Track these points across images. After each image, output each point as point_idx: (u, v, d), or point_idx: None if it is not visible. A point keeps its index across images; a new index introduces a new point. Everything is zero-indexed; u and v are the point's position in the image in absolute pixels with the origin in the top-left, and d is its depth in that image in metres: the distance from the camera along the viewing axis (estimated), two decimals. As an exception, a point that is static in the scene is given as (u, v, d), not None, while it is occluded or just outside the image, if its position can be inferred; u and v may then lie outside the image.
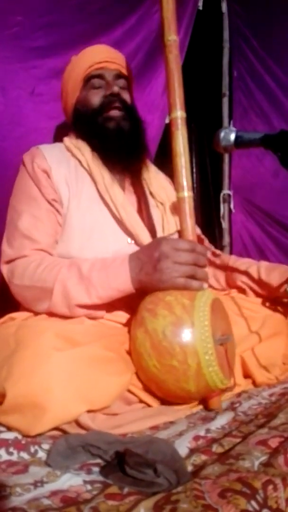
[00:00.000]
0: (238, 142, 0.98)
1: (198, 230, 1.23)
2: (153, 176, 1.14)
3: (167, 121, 1.67)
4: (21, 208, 1.01)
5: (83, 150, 1.07)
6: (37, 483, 0.57)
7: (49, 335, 0.76)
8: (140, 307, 0.84)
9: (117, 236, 1.01)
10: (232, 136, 0.97)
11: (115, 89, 1.06)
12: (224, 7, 1.92)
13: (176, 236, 1.06)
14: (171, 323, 0.78)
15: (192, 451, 0.67)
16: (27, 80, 1.20)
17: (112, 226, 1.02)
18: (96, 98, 1.07)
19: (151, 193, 1.11)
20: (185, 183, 0.88)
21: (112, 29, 1.40)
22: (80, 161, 1.06)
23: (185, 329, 0.78)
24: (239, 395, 0.91)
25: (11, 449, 0.66)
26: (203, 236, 1.24)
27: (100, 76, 1.08)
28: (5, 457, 0.64)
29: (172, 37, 0.93)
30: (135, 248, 0.99)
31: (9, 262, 0.98)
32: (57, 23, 1.14)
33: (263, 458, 0.61)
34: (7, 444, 0.67)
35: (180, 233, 0.90)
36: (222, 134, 0.98)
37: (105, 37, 1.21)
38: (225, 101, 1.94)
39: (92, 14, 1.32)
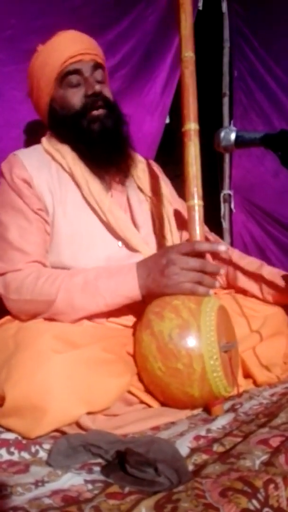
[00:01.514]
0: (239, 141, 0.98)
1: (206, 228, 1.22)
2: (141, 169, 1.10)
3: (167, 121, 1.68)
4: (7, 221, 0.97)
5: (64, 152, 1.02)
6: (38, 483, 0.57)
7: (48, 337, 0.75)
8: (147, 310, 0.85)
9: (107, 241, 0.99)
10: (233, 136, 0.98)
11: (97, 88, 1.01)
12: (224, 7, 1.92)
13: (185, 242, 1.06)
14: (177, 326, 0.79)
15: (193, 451, 0.67)
16: (22, 82, 1.21)
17: (101, 231, 0.99)
18: (76, 99, 1.01)
19: (139, 188, 1.09)
20: (195, 192, 0.90)
21: (106, 32, 1.40)
22: (61, 165, 1.02)
23: (192, 333, 0.78)
24: (240, 395, 0.91)
25: (12, 449, 0.66)
26: (211, 236, 1.20)
27: (77, 72, 1.01)
28: (6, 457, 0.65)
29: (189, 54, 0.97)
30: (126, 252, 0.99)
31: (0, 275, 0.95)
32: (51, 26, 1.15)
33: (264, 457, 0.61)
34: (8, 444, 0.67)
35: (189, 240, 0.90)
36: (222, 134, 0.98)
37: (99, 39, 1.21)
38: (226, 101, 1.94)
39: (85, 17, 1.32)
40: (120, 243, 1.00)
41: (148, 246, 1.01)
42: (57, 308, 0.87)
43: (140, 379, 0.84)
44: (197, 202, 0.89)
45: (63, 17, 1.28)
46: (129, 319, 0.93)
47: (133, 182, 1.09)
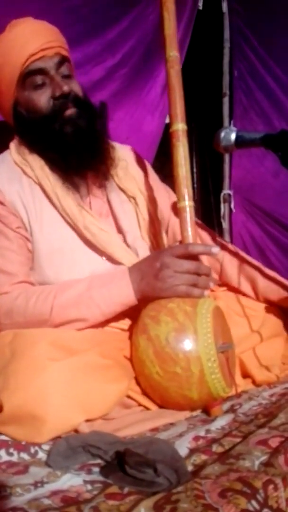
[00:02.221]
0: (239, 142, 0.98)
1: (199, 222, 1.20)
2: (121, 168, 1.03)
3: (167, 121, 1.68)
4: None
5: (32, 164, 0.96)
6: (37, 484, 0.57)
7: (44, 345, 0.74)
8: (142, 315, 0.84)
9: (89, 255, 0.95)
10: (233, 136, 0.97)
11: (65, 89, 0.92)
12: (224, 6, 1.91)
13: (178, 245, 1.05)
14: (174, 329, 0.78)
15: (192, 451, 0.67)
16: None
17: (82, 246, 0.95)
18: (43, 101, 0.93)
19: (121, 189, 1.03)
20: (186, 193, 0.89)
21: (106, 31, 1.40)
22: (32, 178, 0.96)
23: (188, 336, 0.78)
24: (239, 396, 0.91)
25: (11, 450, 0.66)
26: (203, 236, 1.17)
27: (40, 71, 0.92)
28: (5, 457, 0.65)
29: (174, 53, 0.96)
30: (111, 265, 0.95)
31: None
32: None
33: (264, 457, 0.61)
34: (7, 445, 0.67)
35: (182, 242, 0.90)
36: (222, 134, 0.98)
37: (99, 39, 1.21)
38: (226, 100, 1.94)
39: (84, 17, 1.32)
40: (104, 257, 0.97)
41: (133, 256, 0.96)
42: (52, 325, 0.86)
43: (138, 382, 0.84)
44: (188, 203, 0.89)
45: (62, 17, 1.28)
46: (125, 323, 0.93)
47: (113, 183, 1.02)
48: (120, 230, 1.00)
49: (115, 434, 0.72)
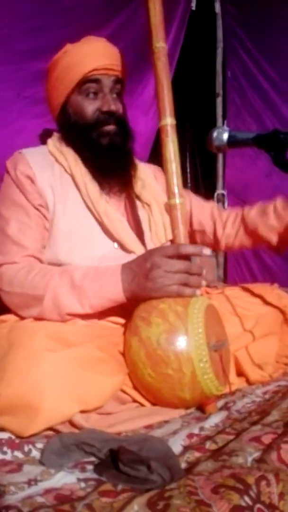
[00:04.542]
0: (231, 141, 0.98)
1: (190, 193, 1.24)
2: (139, 178, 1.12)
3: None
4: (8, 215, 1.00)
5: (67, 155, 1.05)
6: (31, 482, 0.57)
7: (41, 336, 0.76)
8: (134, 316, 0.84)
9: (103, 241, 1.01)
10: (225, 136, 0.98)
11: (113, 107, 1.03)
12: (217, 7, 1.93)
13: (168, 245, 1.07)
14: (165, 331, 0.78)
15: (186, 449, 0.67)
16: (14, 82, 1.21)
17: (97, 232, 1.01)
18: (91, 110, 1.04)
19: (136, 196, 1.11)
20: (176, 190, 0.89)
21: (98, 32, 1.40)
22: (63, 167, 1.05)
23: (179, 337, 0.78)
24: (233, 393, 0.91)
25: (4, 449, 0.66)
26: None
27: (97, 81, 1.04)
28: (-1, 456, 0.64)
29: (160, 44, 0.93)
30: (122, 253, 1.00)
31: None
32: (43, 27, 1.15)
33: (256, 454, 0.62)
34: (1, 443, 0.67)
35: (172, 240, 0.90)
36: (215, 134, 0.98)
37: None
38: (219, 101, 1.95)
39: (77, 18, 1.33)
40: (115, 244, 1.02)
41: (143, 247, 1.02)
42: (44, 305, 0.88)
43: (133, 379, 0.84)
44: (178, 201, 0.88)
45: (55, 18, 1.28)
46: (122, 317, 0.93)
47: (131, 193, 1.10)
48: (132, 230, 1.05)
49: (110, 429, 0.73)
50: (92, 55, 1.04)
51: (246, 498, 0.51)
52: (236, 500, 0.50)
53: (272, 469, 0.58)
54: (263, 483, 0.54)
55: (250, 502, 0.51)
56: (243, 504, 0.50)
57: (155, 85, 0.93)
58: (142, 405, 0.83)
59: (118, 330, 0.91)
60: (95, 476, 0.58)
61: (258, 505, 0.51)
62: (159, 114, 0.92)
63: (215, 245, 1.24)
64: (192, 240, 1.24)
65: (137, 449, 0.55)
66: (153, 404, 0.84)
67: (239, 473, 0.56)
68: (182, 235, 0.88)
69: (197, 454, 0.65)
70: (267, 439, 0.66)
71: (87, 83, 1.04)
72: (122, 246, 1.01)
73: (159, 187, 1.14)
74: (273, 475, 0.56)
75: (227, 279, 2.27)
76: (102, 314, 0.91)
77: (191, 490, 0.51)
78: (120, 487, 0.54)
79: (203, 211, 1.22)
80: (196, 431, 0.74)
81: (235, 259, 2.19)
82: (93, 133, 1.03)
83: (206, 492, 0.51)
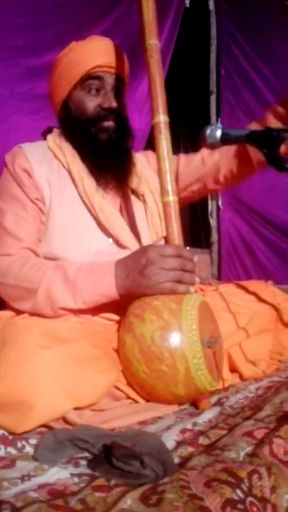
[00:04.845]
0: (224, 138, 0.98)
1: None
2: (137, 174, 1.12)
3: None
4: (5, 208, 1.02)
5: (65, 151, 1.06)
6: (24, 477, 0.57)
7: (35, 333, 0.76)
8: (128, 312, 0.85)
9: (98, 236, 1.02)
10: (218, 133, 0.98)
11: (113, 104, 1.05)
12: (211, 5, 1.93)
13: (162, 241, 1.07)
14: (159, 328, 0.79)
15: (179, 444, 0.68)
16: (7, 79, 1.20)
17: (93, 227, 1.02)
18: (92, 106, 1.05)
19: (133, 191, 1.11)
20: (169, 188, 0.89)
21: (92, 28, 1.40)
22: (61, 162, 1.06)
23: (173, 334, 0.78)
24: (226, 389, 0.92)
25: (-2, 445, 0.66)
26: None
27: (100, 78, 1.06)
28: (-8, 452, 0.65)
29: (153, 41, 0.93)
30: (117, 249, 1.01)
31: None
32: (35, 24, 1.15)
33: (249, 448, 0.62)
34: (-5, 439, 0.67)
35: (166, 237, 0.90)
36: (208, 131, 0.98)
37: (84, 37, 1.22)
38: (213, 98, 1.95)
39: (68, 15, 1.33)
40: (111, 240, 1.02)
41: (138, 244, 1.03)
42: (38, 299, 0.88)
43: (127, 376, 0.85)
44: (172, 198, 0.89)
45: (46, 16, 1.28)
46: (116, 314, 0.94)
47: (128, 189, 1.11)
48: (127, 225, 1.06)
49: (103, 426, 0.73)
50: (96, 52, 1.06)
51: (238, 492, 0.51)
52: (228, 493, 0.51)
53: (264, 463, 0.58)
54: (255, 476, 0.55)
55: (242, 496, 0.52)
56: (235, 497, 0.51)
57: (148, 82, 0.93)
58: (136, 401, 0.84)
59: (112, 327, 0.91)
60: (88, 471, 0.59)
61: (250, 499, 0.52)
62: (152, 112, 0.92)
63: (220, 186, 1.24)
64: (195, 195, 1.25)
65: (131, 444, 0.56)
66: (147, 400, 0.84)
67: (232, 467, 0.56)
68: (176, 233, 0.88)
69: (190, 449, 0.65)
70: (259, 433, 0.67)
71: (90, 80, 1.05)
72: (117, 242, 1.02)
73: (153, 173, 1.14)
74: (265, 469, 0.56)
75: (221, 276, 2.28)
76: (95, 311, 0.91)
77: (184, 484, 0.52)
78: (113, 482, 0.54)
79: (196, 168, 1.20)
80: (189, 426, 0.74)
81: (229, 256, 2.20)
82: (92, 128, 1.04)
83: (199, 486, 0.51)
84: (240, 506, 0.49)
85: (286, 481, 0.55)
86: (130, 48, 1.52)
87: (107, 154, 1.03)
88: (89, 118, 1.05)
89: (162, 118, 0.91)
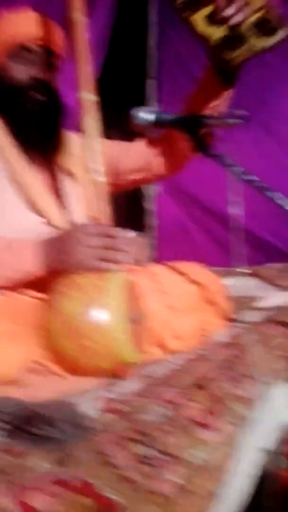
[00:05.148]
0: (157, 122, 1.01)
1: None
2: (68, 152, 1.12)
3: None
4: None
5: None
6: None
7: None
8: (53, 290, 0.86)
9: (29, 215, 1.01)
10: (150, 116, 1.00)
11: (45, 77, 1.03)
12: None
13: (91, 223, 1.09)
14: (83, 304, 0.81)
15: (102, 412, 0.70)
16: None
17: (21, 204, 1.01)
18: (21, 76, 1.03)
19: (64, 169, 1.11)
20: (98, 167, 0.91)
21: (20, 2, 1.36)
22: None
23: (98, 310, 0.80)
24: (151, 362, 0.96)
25: None
26: None
27: (33, 51, 1.03)
28: None
29: (79, 16, 0.95)
30: (49, 227, 1.00)
31: None
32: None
33: (166, 411, 0.66)
34: None
35: (94, 217, 0.92)
36: (140, 113, 1.00)
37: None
38: (150, 83, 1.97)
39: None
40: (40, 218, 1.01)
41: (67, 222, 1.02)
42: None
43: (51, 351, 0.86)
44: (99, 178, 0.91)
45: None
46: (40, 292, 0.94)
47: (58, 166, 1.10)
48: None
49: (27, 400, 0.73)
50: (28, 24, 1.04)
51: (146, 448, 0.55)
52: (138, 450, 0.54)
53: (179, 425, 0.62)
54: (168, 436, 0.59)
55: (153, 452, 0.55)
56: (142, 453, 0.54)
57: (76, 59, 0.94)
58: (62, 377, 0.85)
59: (36, 304, 0.91)
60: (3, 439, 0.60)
61: (160, 455, 0.56)
62: (79, 88, 0.93)
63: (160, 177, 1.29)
64: (139, 182, 1.28)
65: (45, 411, 0.57)
66: (73, 375, 0.86)
67: (147, 428, 0.60)
68: (104, 212, 0.90)
69: (111, 416, 0.68)
70: (176, 398, 0.71)
71: (22, 51, 1.03)
72: (46, 220, 1.01)
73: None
74: (179, 429, 0.60)
75: (159, 260, 2.32)
76: (20, 287, 0.91)
77: (94, 444, 0.55)
78: (26, 447, 0.55)
79: (137, 154, 1.22)
80: (113, 396, 0.77)
81: (166, 240, 2.25)
82: (21, 99, 1.02)
83: (110, 445, 0.55)
84: (147, 461, 0.53)
85: (196, 440, 0.60)
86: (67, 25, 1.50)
87: (36, 128, 1.02)
88: (18, 88, 1.03)
89: (88, 95, 0.92)
